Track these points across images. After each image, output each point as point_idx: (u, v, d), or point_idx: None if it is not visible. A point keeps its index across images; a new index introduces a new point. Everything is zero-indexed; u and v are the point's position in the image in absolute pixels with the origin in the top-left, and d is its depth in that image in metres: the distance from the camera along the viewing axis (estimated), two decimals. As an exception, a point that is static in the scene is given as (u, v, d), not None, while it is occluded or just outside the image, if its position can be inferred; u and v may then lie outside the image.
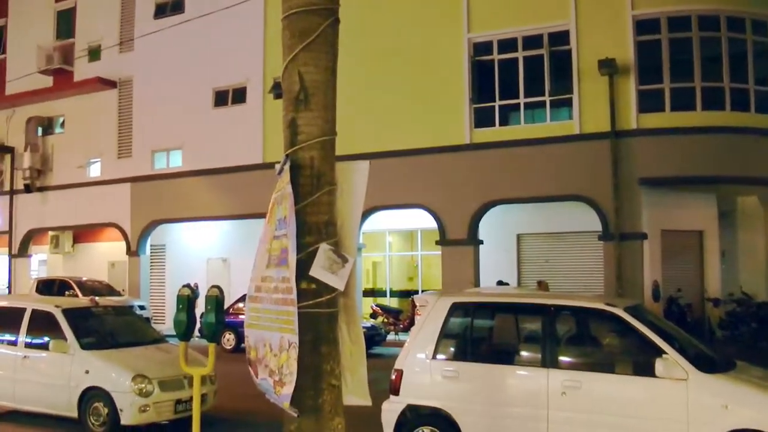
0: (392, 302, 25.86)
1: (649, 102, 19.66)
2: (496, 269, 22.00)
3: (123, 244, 28.14)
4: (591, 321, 8.11)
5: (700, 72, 19.36)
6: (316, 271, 5.53)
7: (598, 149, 19.80)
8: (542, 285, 18.97)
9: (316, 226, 5.62)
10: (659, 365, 7.03)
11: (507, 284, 19.68)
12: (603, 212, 19.76)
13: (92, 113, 28.98)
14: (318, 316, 5.52)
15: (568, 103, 20.59)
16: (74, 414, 10.32)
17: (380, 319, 22.97)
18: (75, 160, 29.22)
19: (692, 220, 20.56)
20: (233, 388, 12.12)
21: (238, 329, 20.46)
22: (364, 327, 18.30)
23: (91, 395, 10.20)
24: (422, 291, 24.11)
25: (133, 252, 27.57)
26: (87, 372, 10.27)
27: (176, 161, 27.21)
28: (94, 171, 29.16)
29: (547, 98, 20.77)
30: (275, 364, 5.46)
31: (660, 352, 7.16)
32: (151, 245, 28.15)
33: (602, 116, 19.83)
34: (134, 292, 27.05)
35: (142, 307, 24.33)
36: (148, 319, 22.59)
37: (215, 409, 11.14)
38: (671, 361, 7.05)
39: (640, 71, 19.76)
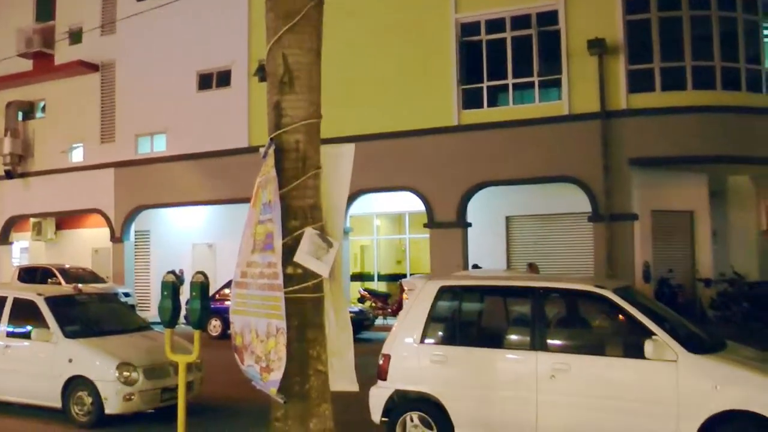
0: (380, 286, 25.90)
1: (638, 82, 19.69)
2: (485, 252, 22.06)
3: (107, 231, 28.04)
4: (580, 303, 8.13)
5: (690, 51, 19.39)
6: (301, 256, 5.53)
7: (587, 130, 19.82)
8: (533, 267, 19.05)
9: (301, 211, 5.61)
10: (649, 347, 7.05)
11: (481, 268, 19.79)
12: (593, 193, 19.82)
13: (74, 97, 28.77)
14: (304, 301, 5.52)
15: (557, 83, 20.58)
16: (58, 404, 10.28)
17: (368, 303, 23.01)
18: (57, 146, 29.04)
19: (683, 201, 20.66)
20: (220, 376, 12.11)
21: (224, 315, 20.40)
22: (351, 311, 18.54)
23: (75, 384, 10.16)
24: (410, 275, 24.17)
25: (117, 238, 27.48)
26: (70, 361, 10.23)
27: (160, 146, 27.08)
28: (77, 156, 28.99)
29: (535, 79, 20.76)
30: (262, 350, 5.46)
31: (649, 334, 7.17)
32: (135, 231, 28.07)
33: (592, 96, 19.85)
34: (118, 279, 26.99)
35: (126, 294, 24.29)
36: (132, 306, 22.56)
37: (201, 396, 11.13)
38: (661, 343, 7.07)
39: (630, 51, 19.77)
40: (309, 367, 5.50)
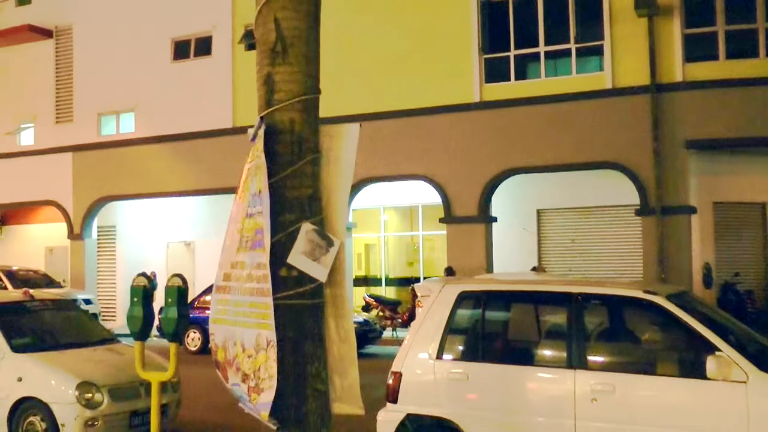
0: (389, 292, 25.97)
1: (697, 48, 19.62)
2: (513, 252, 22.10)
3: (63, 226, 28.15)
4: (627, 312, 8.13)
5: (764, 10, 19.24)
6: (296, 257, 5.58)
7: (635, 106, 19.80)
8: (539, 272, 19.18)
9: (297, 202, 5.65)
10: (711, 365, 6.98)
11: (455, 275, 20.14)
12: (641, 182, 19.80)
13: (23, 69, 28.84)
14: (300, 308, 5.57)
15: (599, 51, 20.56)
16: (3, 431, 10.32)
17: (375, 312, 23.07)
18: (2, 126, 29.13)
19: (751, 190, 20.61)
20: (200, 397, 12.19)
21: (204, 326, 20.51)
22: (355, 322, 18.33)
23: (25, 407, 10.11)
24: (424, 278, 24.20)
25: (76, 235, 27.59)
26: (20, 379, 10.22)
27: (128, 126, 27.17)
28: (27, 138, 29.10)
29: (572, 46, 20.73)
30: (250, 367, 5.49)
31: (712, 349, 7.10)
32: (98, 227, 28.19)
33: (640, 67, 19.81)
34: (78, 283, 27.10)
35: (87, 301, 24.33)
36: (95, 315, 22.63)
37: (179, 422, 11.19)
38: (726, 360, 7.01)
39: (687, 11, 19.71)
40: (306, 387, 5.54)
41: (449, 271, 20.76)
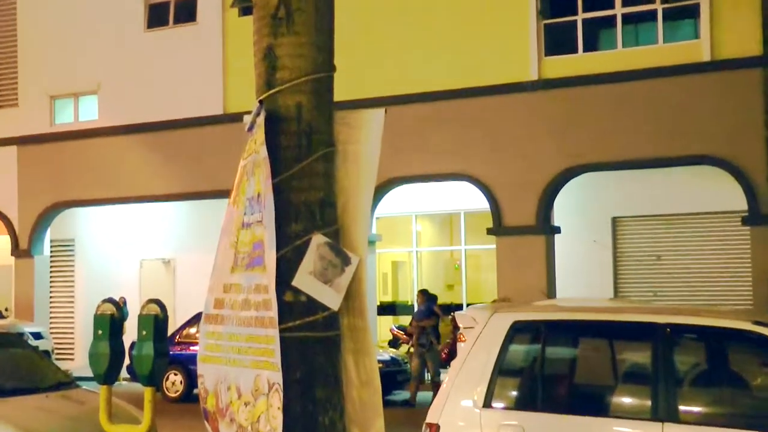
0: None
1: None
2: (580, 270, 22.02)
3: (6, 240, 28.26)
4: (731, 349, 8.09)
5: None
6: (303, 279, 5.61)
7: (741, 84, 19.71)
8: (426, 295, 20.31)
9: (306, 208, 5.70)
10: None
11: (434, 297, 21.14)
12: (749, 182, 19.70)
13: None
14: (310, 343, 5.61)
15: (693, 12, 20.49)
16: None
17: (404, 348, 23.02)
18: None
19: None
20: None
21: (189, 366, 20.58)
22: (380, 360, 18.54)
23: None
24: (467, 305, 24.13)
25: (22, 251, 27.73)
26: (-53, 437, 10.33)
27: (89, 112, 27.35)
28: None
29: (658, 6, 20.67)
30: (247, 417, 5.54)
31: None
32: (51, 241, 28.32)
33: (748, 33, 19.73)
34: (25, 312, 27.16)
35: (37, 335, 24.42)
36: (47, 353, 22.70)
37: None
38: None
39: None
40: (319, 443, 5.58)
41: (427, 294, 21.47)
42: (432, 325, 20.88)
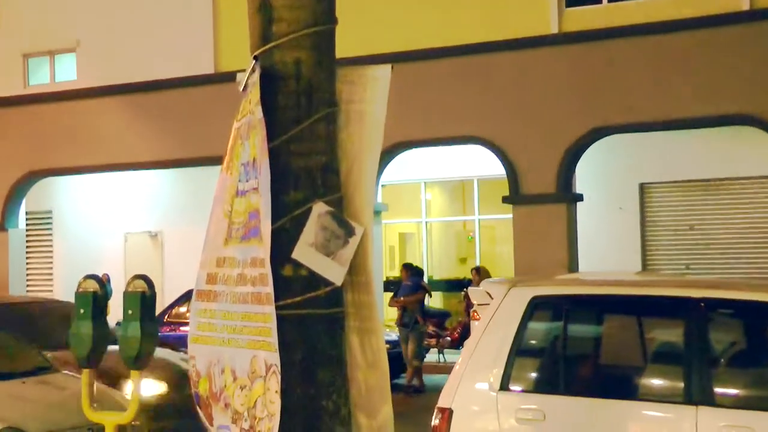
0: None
1: None
2: (605, 242, 22.03)
3: (-21, 212, 28.31)
4: (771, 326, 8.13)
5: None
6: (303, 251, 5.60)
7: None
8: (482, 272, 20.03)
9: (306, 174, 5.70)
10: None
11: (420, 270, 21.37)
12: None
13: None
14: (312, 321, 5.61)
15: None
16: None
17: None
18: None
19: None
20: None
21: (179, 348, 20.59)
22: (387, 341, 18.59)
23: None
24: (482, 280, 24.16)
25: (-5, 224, 27.79)
26: None
27: (67, 72, 27.31)
28: None
29: (692, -50, 20.61)
30: (243, 402, 5.55)
31: None
32: (27, 213, 28.32)
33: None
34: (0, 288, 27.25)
35: (14, 316, 24.52)
36: (25, 336, 22.76)
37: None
38: None
39: None
40: (321, 428, 5.60)
41: (412, 269, 21.53)
42: (418, 300, 20.81)
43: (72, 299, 8.43)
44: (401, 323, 20.62)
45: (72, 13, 26.76)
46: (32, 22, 27.35)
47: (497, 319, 8.40)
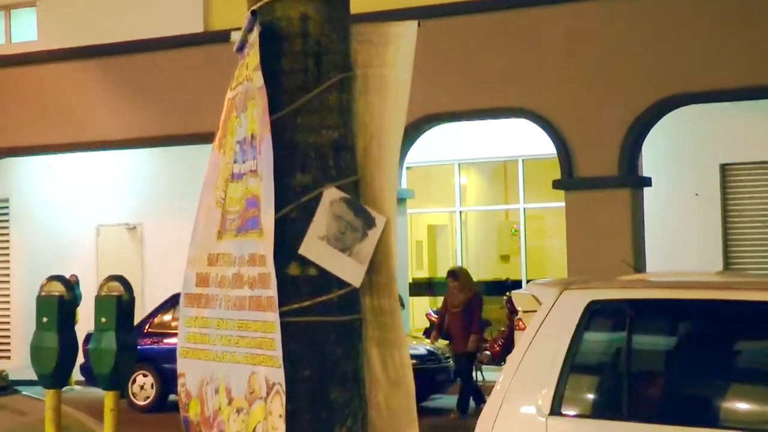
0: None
1: None
2: (679, 234, 22.02)
3: None
4: None
5: None
6: (313, 246, 5.58)
7: None
8: (460, 277, 20.06)
9: (315, 153, 5.68)
10: None
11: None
12: None
13: None
14: (323, 330, 5.60)
15: None
16: None
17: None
18: None
19: None
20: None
21: (162, 365, 20.69)
22: (413, 355, 18.63)
23: None
24: (527, 281, 24.20)
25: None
26: None
27: (25, 31, 27.47)
28: None
29: None
30: (240, 428, 5.55)
31: None
32: (-22, 201, 28.54)
33: None
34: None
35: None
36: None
37: None
38: None
39: None
40: (335, 459, 5.62)
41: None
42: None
43: (33, 305, 8.48)
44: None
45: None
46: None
47: (546, 329, 8.39)
